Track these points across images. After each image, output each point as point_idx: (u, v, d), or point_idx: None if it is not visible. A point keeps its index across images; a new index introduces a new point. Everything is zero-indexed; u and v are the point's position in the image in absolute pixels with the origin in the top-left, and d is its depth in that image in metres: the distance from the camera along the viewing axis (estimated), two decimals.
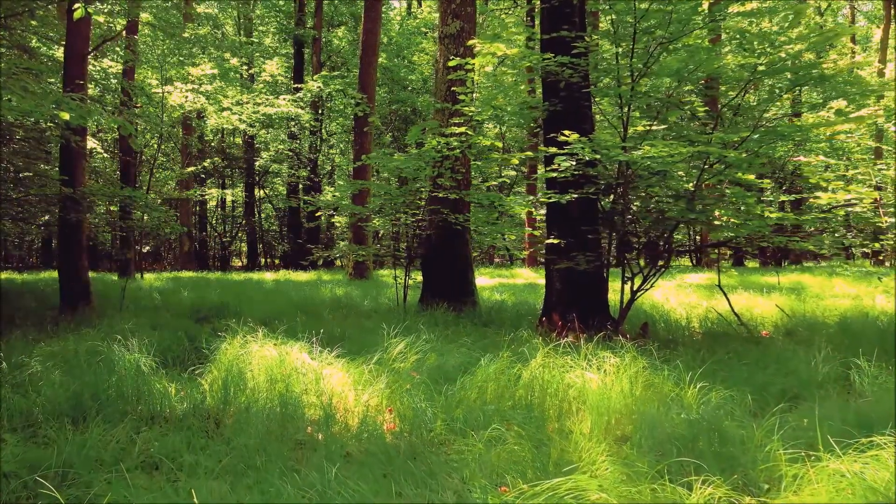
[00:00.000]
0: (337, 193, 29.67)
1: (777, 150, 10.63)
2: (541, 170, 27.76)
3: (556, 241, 6.81)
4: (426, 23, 34.74)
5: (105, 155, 25.99)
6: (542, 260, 27.51)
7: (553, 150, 6.22)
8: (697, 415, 4.07)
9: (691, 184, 8.25)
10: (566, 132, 5.92)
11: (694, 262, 27.04)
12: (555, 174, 6.59)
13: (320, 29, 29.02)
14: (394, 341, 5.91)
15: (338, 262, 28.58)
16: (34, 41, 15.03)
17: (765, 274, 18.55)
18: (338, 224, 32.74)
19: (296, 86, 27.27)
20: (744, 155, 6.00)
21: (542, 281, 18.56)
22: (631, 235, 7.26)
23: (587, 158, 6.02)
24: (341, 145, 34.68)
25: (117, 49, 20.23)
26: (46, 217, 13.32)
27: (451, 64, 8.13)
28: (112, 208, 20.48)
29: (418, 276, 10.49)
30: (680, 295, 11.77)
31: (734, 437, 3.52)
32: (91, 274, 20.50)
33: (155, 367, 5.59)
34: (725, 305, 10.31)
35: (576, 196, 6.56)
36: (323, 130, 30.25)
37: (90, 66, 19.30)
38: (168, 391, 4.97)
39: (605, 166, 7.46)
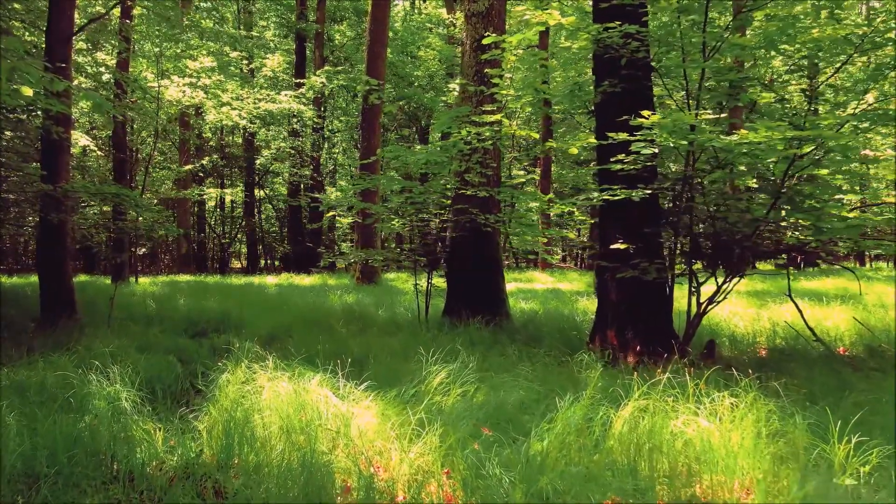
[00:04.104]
0: (339, 194, 28.63)
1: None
2: (553, 168, 26.70)
3: (623, 247, 5.72)
4: (431, 18, 33.68)
5: (99, 153, 24.87)
6: (560, 264, 26.17)
7: (623, 136, 5.14)
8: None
9: (752, 179, 7.19)
10: (645, 113, 4.85)
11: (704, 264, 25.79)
12: (619, 166, 5.52)
13: (323, 23, 27.89)
14: (433, 369, 4.83)
15: (340, 265, 27.43)
16: (19, 27, 13.90)
17: (795, 279, 17.47)
18: (339, 225, 31.64)
19: (298, 81, 26.15)
20: (856, 140, 4.93)
21: (563, 286, 17.52)
22: (703, 238, 6.18)
23: (671, 145, 4.96)
24: (343, 144, 33.56)
25: (112, 42, 19.13)
26: (33, 218, 12.30)
27: (486, 41, 7.05)
28: (105, 208, 19.41)
29: (435, 281, 9.38)
30: (728, 304, 10.70)
31: None
32: (84, 277, 19.42)
33: (140, 403, 4.51)
34: (785, 316, 9.26)
35: (648, 192, 5.48)
36: (325, 129, 29.13)
37: (81, 59, 18.23)
38: (154, 438, 3.89)
39: (663, 158, 6.40)
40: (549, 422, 3.65)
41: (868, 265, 30.88)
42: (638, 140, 5.01)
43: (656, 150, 4.98)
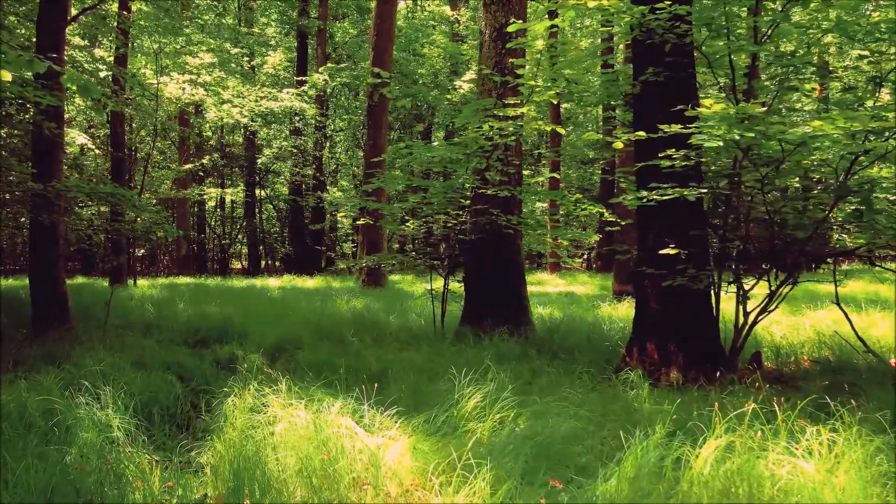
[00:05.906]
0: (340, 194, 28.02)
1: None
2: (557, 171, 26.12)
3: (673, 252, 5.16)
4: (434, 15, 33.12)
5: (97, 152, 24.29)
6: (567, 266, 25.26)
7: (676, 128, 4.58)
8: None
9: (796, 179, 6.65)
10: (707, 103, 4.31)
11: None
12: (668, 163, 4.97)
13: (325, 19, 27.29)
14: (466, 392, 4.27)
15: (341, 265, 26.84)
16: (13, 21, 13.33)
17: (820, 282, 16.86)
18: (341, 226, 30.99)
19: (299, 79, 25.56)
20: None
21: (577, 289, 16.93)
22: (757, 242, 5.63)
23: (736, 137, 4.41)
24: (345, 143, 32.95)
25: (110, 38, 18.55)
26: (26, 220, 11.74)
27: (510, 28, 6.50)
28: (103, 209, 18.84)
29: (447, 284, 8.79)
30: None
31: None
32: (81, 279, 18.80)
33: (134, 431, 3.96)
34: (825, 323, 8.71)
35: (704, 191, 4.92)
36: (328, 128, 28.52)
37: (79, 54, 17.66)
38: (150, 476, 3.34)
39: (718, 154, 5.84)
40: (617, 462, 3.09)
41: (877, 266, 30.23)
42: (695, 132, 4.45)
43: (721, 143, 4.43)
